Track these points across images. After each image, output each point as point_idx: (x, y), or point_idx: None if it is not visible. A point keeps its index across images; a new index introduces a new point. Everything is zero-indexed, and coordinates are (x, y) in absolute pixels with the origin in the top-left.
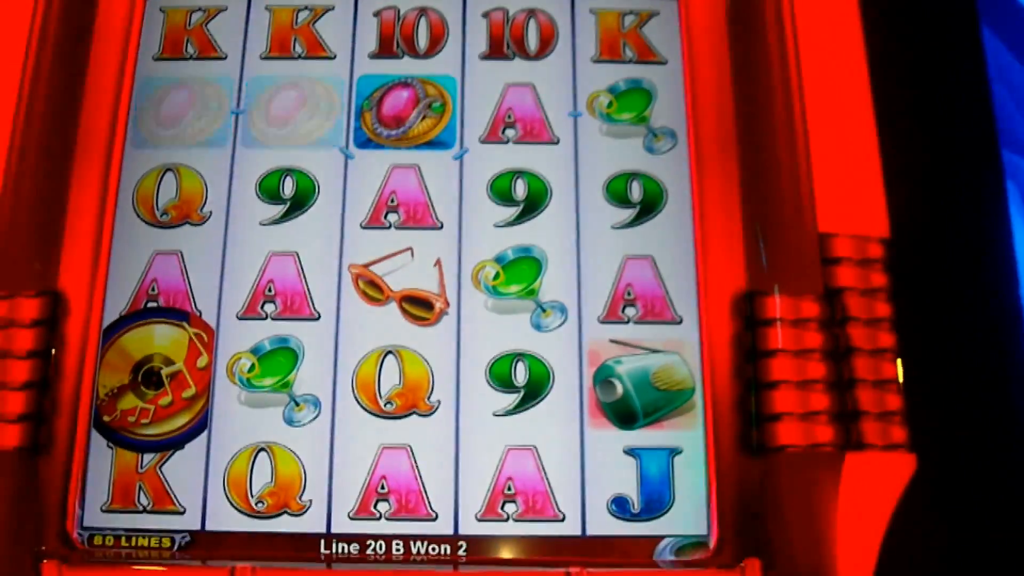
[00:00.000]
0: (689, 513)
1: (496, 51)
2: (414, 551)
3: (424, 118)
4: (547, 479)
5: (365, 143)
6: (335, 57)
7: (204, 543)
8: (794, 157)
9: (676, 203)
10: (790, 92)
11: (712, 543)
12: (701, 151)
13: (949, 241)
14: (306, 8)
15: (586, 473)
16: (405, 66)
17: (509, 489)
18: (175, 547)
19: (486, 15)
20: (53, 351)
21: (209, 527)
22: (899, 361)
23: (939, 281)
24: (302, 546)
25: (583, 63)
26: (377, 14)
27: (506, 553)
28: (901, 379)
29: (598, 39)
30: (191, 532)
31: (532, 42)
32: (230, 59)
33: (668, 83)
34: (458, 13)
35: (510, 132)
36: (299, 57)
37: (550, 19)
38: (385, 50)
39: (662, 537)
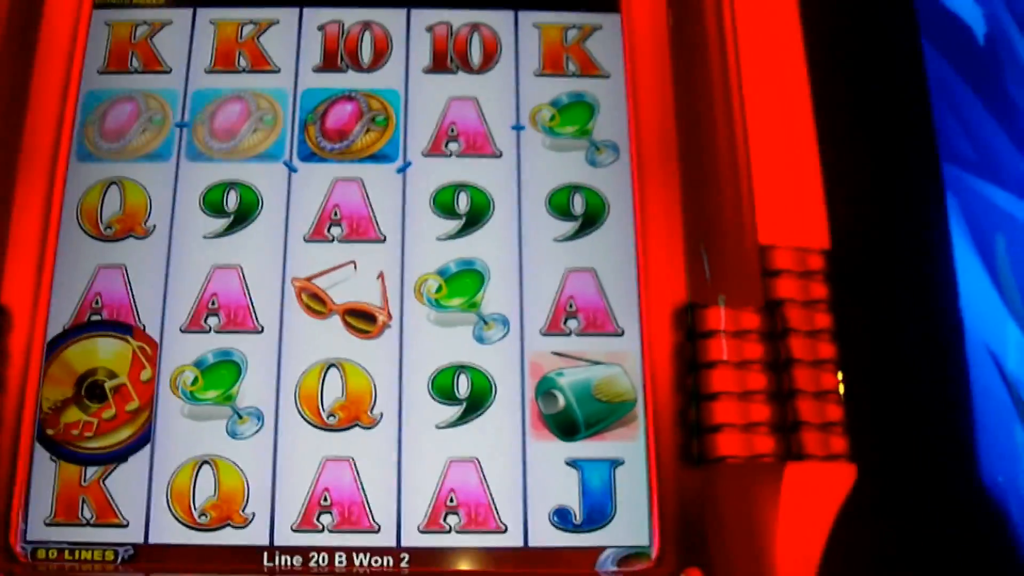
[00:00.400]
0: (631, 524)
1: (440, 65)
2: (357, 563)
3: (368, 131)
4: (489, 491)
5: (309, 156)
6: (279, 70)
7: (147, 556)
8: (735, 170)
9: (618, 216)
10: (731, 105)
11: (654, 553)
12: (643, 164)
13: (890, 253)
14: (251, 22)
15: (528, 485)
16: (349, 80)
17: (451, 501)
18: (118, 560)
19: (430, 29)
20: None
21: (152, 540)
22: (839, 372)
23: (879, 292)
24: (245, 559)
25: (526, 77)
26: (321, 28)
27: (449, 565)
28: (841, 390)
29: (541, 53)
30: (134, 545)
31: (476, 56)
32: (175, 72)
33: (611, 97)
34: (402, 27)
35: (453, 146)
36: (243, 70)
37: (493, 33)
38: (329, 64)
39: (604, 548)
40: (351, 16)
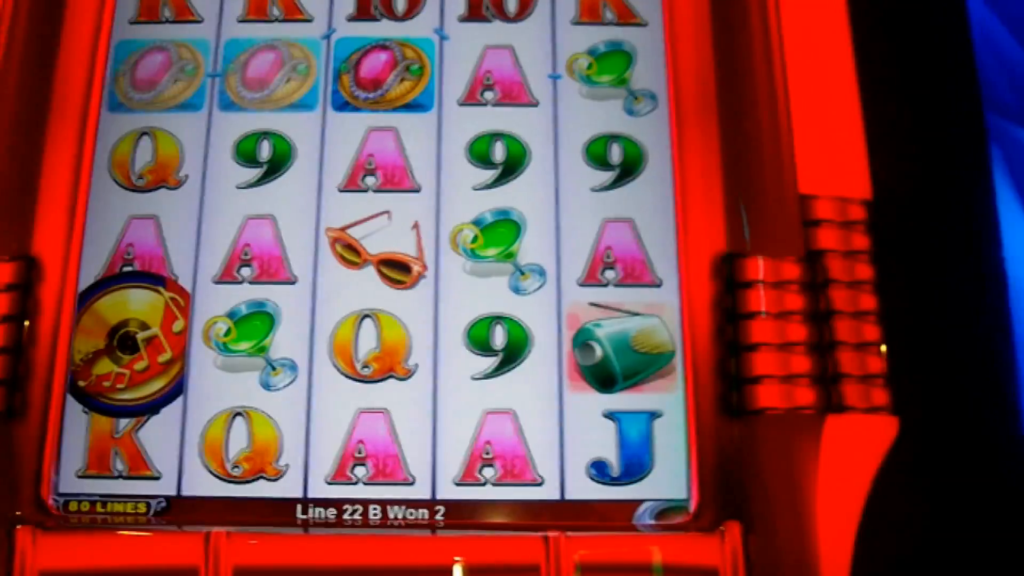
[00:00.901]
0: (669, 477)
1: (475, 13)
2: (391, 516)
3: (402, 81)
4: (525, 443)
5: (343, 106)
6: (312, 20)
7: (180, 509)
8: (775, 119)
9: (656, 166)
10: (771, 53)
11: (692, 507)
12: (681, 113)
13: (932, 204)
14: None
15: (565, 437)
16: (383, 28)
17: (487, 453)
18: (150, 513)
19: None
20: (27, 316)
21: (185, 493)
22: (881, 324)
23: (922, 244)
24: (279, 511)
25: (563, 25)
26: None
27: (484, 517)
28: (883, 342)
29: (577, 1)
30: (167, 498)
31: (511, 4)
32: (207, 22)
33: (648, 45)
34: None
35: (489, 95)
36: (276, 20)
37: None
38: (363, 13)
39: (642, 501)
40: None
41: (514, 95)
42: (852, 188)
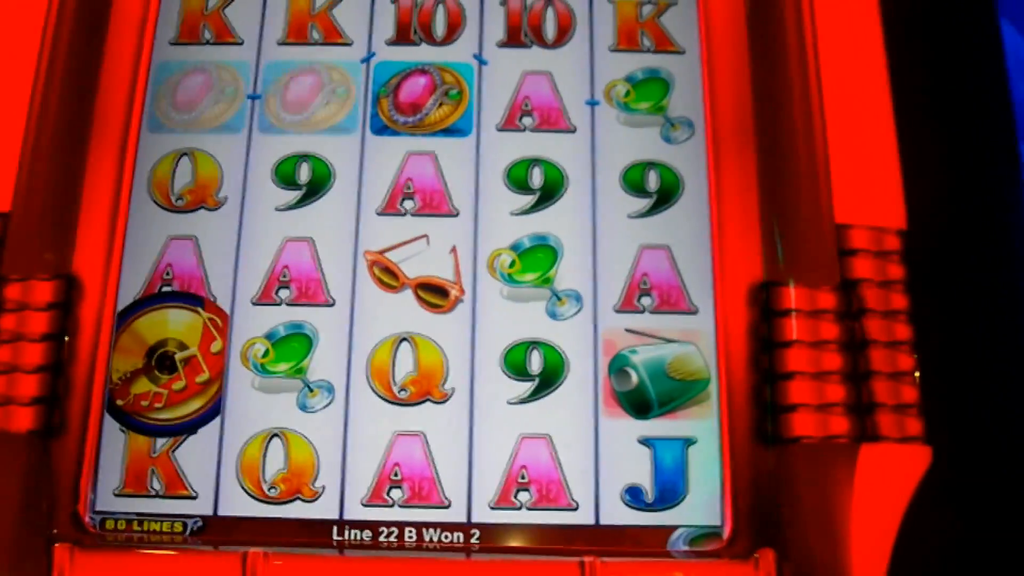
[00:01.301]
0: (703, 503)
1: (514, 39)
2: (427, 538)
3: (441, 105)
4: (561, 468)
5: (381, 129)
6: (352, 43)
7: (216, 528)
8: (811, 147)
9: (693, 193)
10: (808, 82)
11: (726, 534)
12: (718, 141)
13: (966, 233)
14: None
15: (600, 462)
16: (422, 53)
17: (523, 477)
18: (187, 532)
19: (504, 3)
20: (67, 334)
21: (221, 512)
22: (915, 353)
23: (956, 273)
24: (315, 532)
25: (601, 52)
26: (394, 1)
27: (519, 542)
28: (917, 371)
29: (616, 28)
30: (203, 517)
31: (550, 30)
32: (247, 44)
33: (686, 73)
34: (476, 1)
35: (527, 120)
36: (316, 43)
37: (568, 8)
38: (402, 37)
39: (676, 527)
40: None
41: (552, 121)
42: (887, 217)
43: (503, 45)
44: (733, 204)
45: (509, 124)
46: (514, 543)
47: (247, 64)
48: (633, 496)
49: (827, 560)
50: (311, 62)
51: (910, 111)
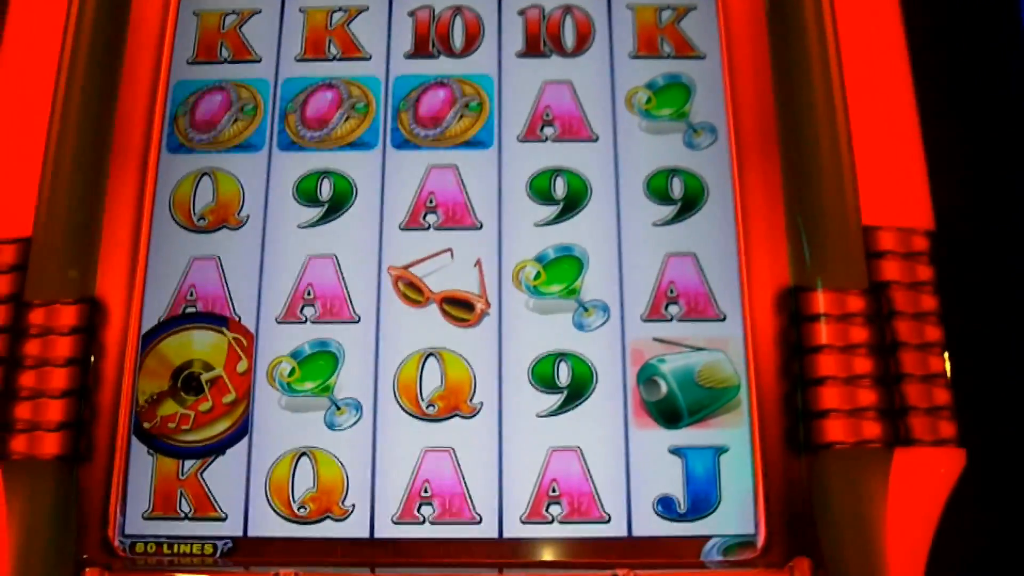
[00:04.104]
0: (736, 512)
1: (533, 49)
2: (459, 555)
3: (461, 118)
4: (592, 480)
5: (402, 144)
6: (370, 58)
7: (247, 549)
8: (836, 150)
9: (718, 199)
10: (831, 85)
11: (760, 542)
12: (742, 146)
13: (994, 232)
14: (340, 9)
15: (631, 473)
16: (441, 66)
17: (553, 491)
18: (217, 554)
19: (522, 13)
20: (92, 358)
21: (251, 533)
22: (947, 355)
23: (985, 273)
24: (346, 551)
25: (621, 59)
26: (412, 14)
27: (552, 555)
28: (949, 373)
29: (635, 35)
30: (233, 538)
31: (569, 39)
32: (265, 61)
33: (707, 78)
34: (494, 11)
35: (548, 130)
36: (334, 58)
37: (587, 15)
38: (421, 50)
39: (709, 537)
40: (442, 1)
41: (574, 130)
42: (915, 218)
43: (522, 55)
44: (759, 209)
45: (530, 135)
46: (547, 557)
47: (266, 81)
48: (665, 507)
49: (863, 567)
50: (330, 78)
51: (934, 110)
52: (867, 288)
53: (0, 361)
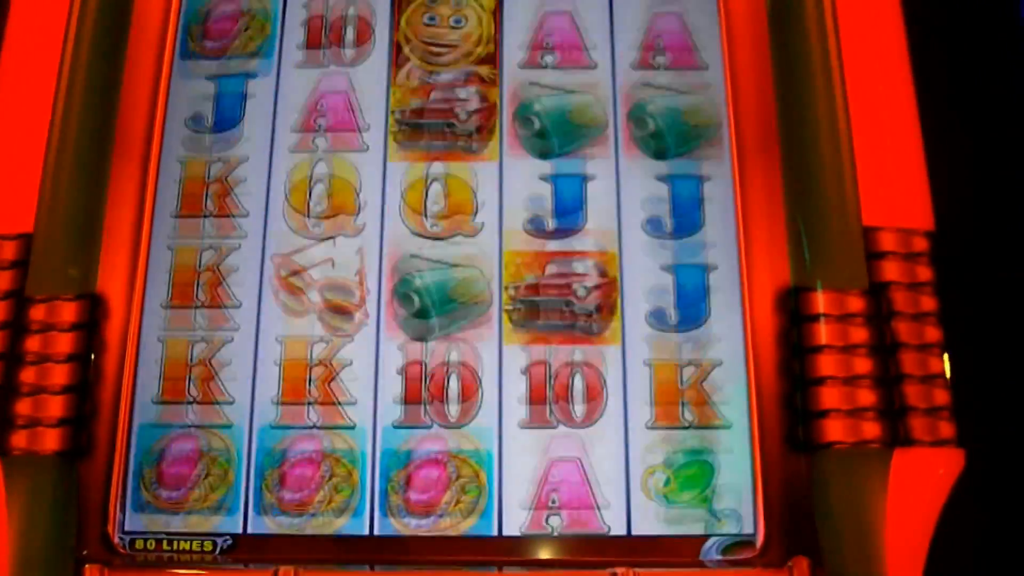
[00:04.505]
0: (736, 511)
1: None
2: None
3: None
4: (591, 482)
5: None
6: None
7: (246, 546)
8: (837, 151)
9: (718, 199)
10: (832, 85)
11: (759, 542)
12: (743, 148)
13: (994, 232)
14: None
15: (630, 472)
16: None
17: (553, 503)
18: (217, 550)
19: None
20: (93, 354)
21: (251, 530)
22: (946, 356)
23: (985, 274)
24: (346, 548)
25: (623, 71)
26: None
27: (550, 554)
28: (948, 374)
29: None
30: (233, 535)
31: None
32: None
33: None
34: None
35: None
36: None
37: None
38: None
39: (708, 536)
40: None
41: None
42: (915, 219)
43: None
44: (759, 209)
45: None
46: (546, 556)
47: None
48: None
49: (862, 567)
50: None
51: (935, 111)
52: (867, 288)
53: (1, 357)
